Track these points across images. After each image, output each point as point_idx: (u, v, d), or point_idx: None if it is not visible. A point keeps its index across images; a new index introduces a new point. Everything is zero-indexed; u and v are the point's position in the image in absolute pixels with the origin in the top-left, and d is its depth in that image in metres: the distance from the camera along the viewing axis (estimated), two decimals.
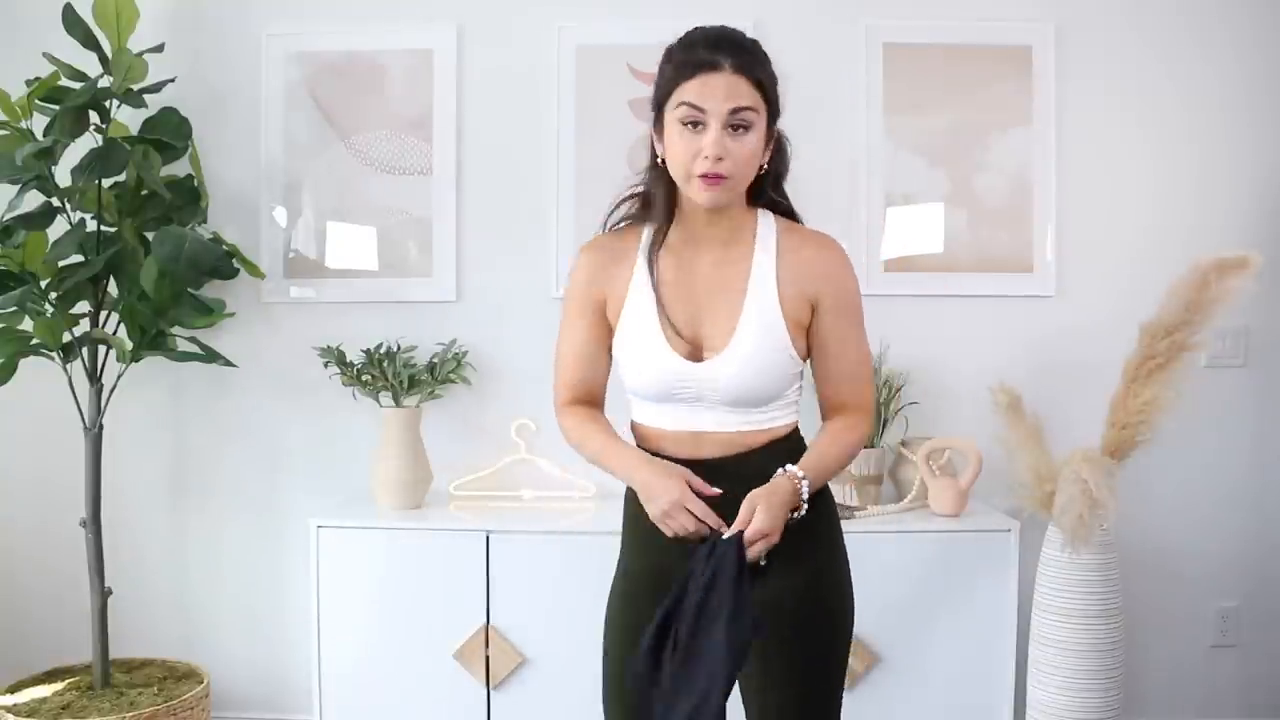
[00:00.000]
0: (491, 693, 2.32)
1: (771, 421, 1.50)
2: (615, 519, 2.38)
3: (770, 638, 1.41)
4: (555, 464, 2.60)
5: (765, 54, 1.43)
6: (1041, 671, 2.27)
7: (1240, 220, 2.59)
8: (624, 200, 1.56)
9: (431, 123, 2.65)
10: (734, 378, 1.44)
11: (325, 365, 2.55)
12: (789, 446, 1.51)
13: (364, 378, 2.51)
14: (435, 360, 2.54)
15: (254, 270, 2.59)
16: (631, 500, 1.54)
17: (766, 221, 1.50)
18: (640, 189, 1.53)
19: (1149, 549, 2.60)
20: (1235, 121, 2.59)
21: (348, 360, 2.52)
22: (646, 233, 1.52)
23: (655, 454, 1.51)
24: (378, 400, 2.53)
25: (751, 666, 1.41)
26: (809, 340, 1.50)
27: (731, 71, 1.37)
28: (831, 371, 1.51)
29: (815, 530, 1.49)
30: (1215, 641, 2.65)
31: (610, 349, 1.56)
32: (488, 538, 2.32)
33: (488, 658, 2.31)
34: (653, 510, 1.43)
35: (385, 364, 2.49)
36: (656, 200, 1.50)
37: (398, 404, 2.50)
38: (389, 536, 2.36)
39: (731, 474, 1.45)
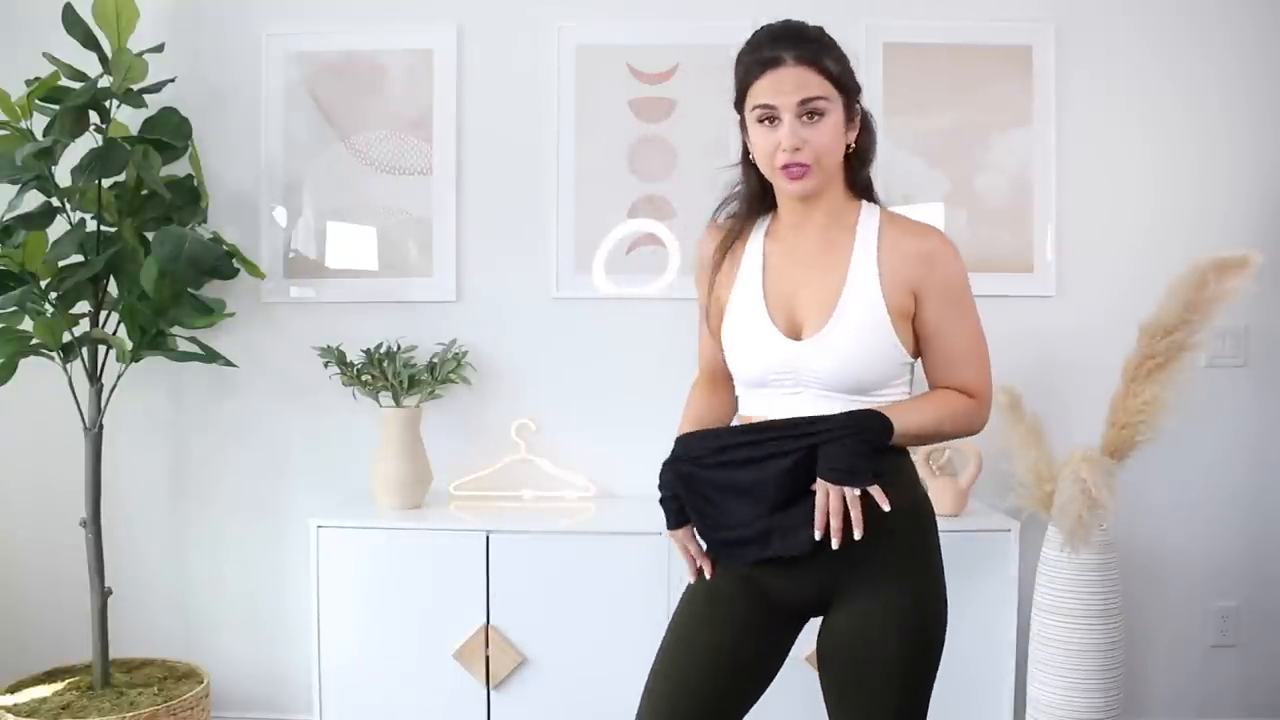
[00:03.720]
0: (491, 693, 2.32)
1: None
2: (615, 519, 2.41)
3: (862, 675, 1.40)
4: (555, 464, 2.60)
5: (831, 40, 1.43)
6: (1041, 671, 2.27)
7: (1240, 220, 2.59)
8: (728, 199, 1.58)
9: (431, 123, 2.65)
10: (831, 356, 1.41)
11: (325, 365, 2.55)
12: (893, 453, 1.45)
13: (364, 378, 2.50)
14: (435, 360, 2.54)
15: (254, 270, 2.59)
16: None
17: (870, 212, 1.49)
18: (739, 186, 1.56)
19: (1149, 549, 2.60)
20: (1235, 121, 2.59)
21: (348, 360, 2.52)
22: (756, 221, 1.55)
23: None
24: (378, 400, 2.52)
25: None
26: (916, 332, 1.46)
27: (795, 64, 1.38)
28: (940, 359, 1.47)
29: (911, 541, 1.46)
30: (1215, 641, 2.65)
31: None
32: (488, 538, 2.32)
33: (488, 658, 2.31)
34: None
35: (385, 364, 2.49)
36: (752, 191, 1.53)
37: (398, 404, 2.50)
38: (389, 536, 2.36)
39: None
